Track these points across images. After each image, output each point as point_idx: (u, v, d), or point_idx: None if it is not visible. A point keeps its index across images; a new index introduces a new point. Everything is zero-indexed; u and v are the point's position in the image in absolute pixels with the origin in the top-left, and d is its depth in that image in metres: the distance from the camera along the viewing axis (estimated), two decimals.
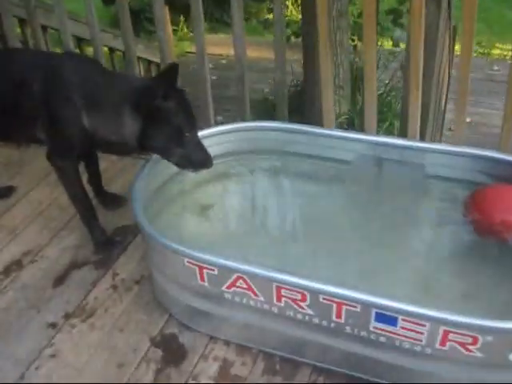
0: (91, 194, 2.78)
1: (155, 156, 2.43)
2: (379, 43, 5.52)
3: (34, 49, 3.68)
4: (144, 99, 2.24)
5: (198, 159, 2.32)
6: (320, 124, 2.81)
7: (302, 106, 4.94)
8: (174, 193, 2.61)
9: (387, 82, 5.77)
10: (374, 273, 2.21)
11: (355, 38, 5.51)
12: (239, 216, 2.62)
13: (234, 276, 1.98)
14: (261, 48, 6.43)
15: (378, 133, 2.94)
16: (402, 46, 5.17)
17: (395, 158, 2.53)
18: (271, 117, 5.57)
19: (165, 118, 2.25)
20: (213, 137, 2.64)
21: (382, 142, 2.54)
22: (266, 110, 5.68)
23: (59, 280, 2.56)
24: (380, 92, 5.47)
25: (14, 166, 3.28)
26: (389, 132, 5.02)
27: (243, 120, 3.09)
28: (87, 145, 2.43)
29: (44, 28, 3.82)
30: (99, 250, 2.66)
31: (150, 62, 5.56)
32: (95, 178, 2.84)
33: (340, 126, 4.67)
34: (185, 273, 2.08)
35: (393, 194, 2.54)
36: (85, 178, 2.71)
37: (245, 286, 1.99)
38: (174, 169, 2.44)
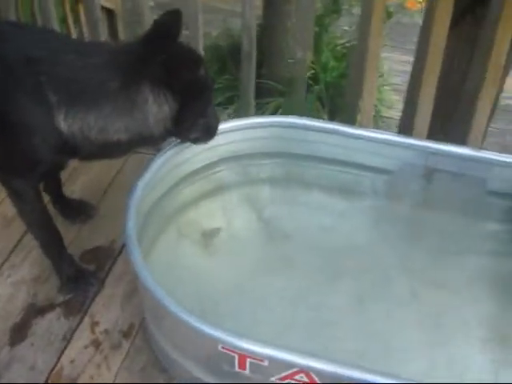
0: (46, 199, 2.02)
1: (150, 168, 1.74)
2: None
3: None
4: (183, 71, 1.60)
5: (215, 126, 1.81)
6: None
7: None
8: (170, 212, 1.92)
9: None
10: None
11: None
12: (253, 247, 1.96)
13: (294, 370, 1.39)
14: None
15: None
16: None
17: (451, 169, 1.94)
18: (225, 65, 4.91)
19: (201, 88, 1.68)
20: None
21: (437, 150, 1.94)
22: (218, 57, 4.91)
23: (17, 333, 1.85)
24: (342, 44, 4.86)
25: None
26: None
27: None
28: (62, 156, 1.69)
29: None
30: (68, 288, 1.95)
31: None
32: (53, 181, 2.08)
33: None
34: (215, 357, 1.46)
35: (446, 214, 1.97)
36: None
37: (306, 380, 1.39)
38: (170, 181, 1.86)
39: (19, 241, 2.10)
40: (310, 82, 4.50)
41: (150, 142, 1.77)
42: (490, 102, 2.01)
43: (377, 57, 2.02)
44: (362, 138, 1.97)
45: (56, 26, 2.69)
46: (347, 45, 4.88)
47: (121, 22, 4.05)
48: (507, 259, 1.97)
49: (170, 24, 1.64)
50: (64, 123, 1.56)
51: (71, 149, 1.64)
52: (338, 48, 4.85)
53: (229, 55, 4.87)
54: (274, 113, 4.45)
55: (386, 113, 4.76)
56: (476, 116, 2.04)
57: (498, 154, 1.93)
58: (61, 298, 1.95)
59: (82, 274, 1.97)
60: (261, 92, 4.16)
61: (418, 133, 2.11)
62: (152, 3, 6.32)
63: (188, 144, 1.86)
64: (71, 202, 2.18)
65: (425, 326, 1.83)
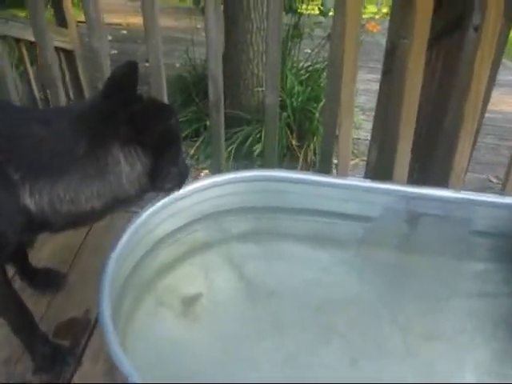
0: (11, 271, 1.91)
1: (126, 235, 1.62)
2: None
3: None
4: (153, 125, 1.50)
5: (186, 172, 1.72)
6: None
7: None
8: (147, 280, 1.80)
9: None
10: None
11: None
12: (236, 309, 1.84)
13: None
14: (164, 14, 5.46)
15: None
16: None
17: (434, 212, 1.87)
18: (189, 97, 4.79)
19: (172, 137, 1.60)
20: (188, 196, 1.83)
21: (418, 194, 1.86)
22: (183, 89, 4.80)
23: None
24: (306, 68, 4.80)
25: None
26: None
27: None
28: (31, 235, 1.56)
29: None
30: (43, 369, 1.80)
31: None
32: (18, 251, 1.93)
33: None
34: None
35: (432, 257, 1.89)
36: None
37: None
38: (144, 247, 1.76)
39: None
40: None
41: (125, 203, 1.63)
42: (469, 139, 1.94)
43: (351, 105, 1.93)
44: (339, 187, 1.87)
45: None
46: (310, 68, 4.83)
47: (80, 62, 3.95)
48: (497, 299, 1.90)
49: (127, 76, 1.53)
50: (31, 200, 1.43)
51: (41, 225, 1.51)
52: (302, 72, 4.78)
53: (193, 86, 4.77)
54: (244, 142, 4.36)
55: (354, 134, 4.70)
56: (456, 155, 1.96)
57: (479, 194, 1.87)
58: (36, 380, 1.80)
59: (57, 353, 1.81)
60: (227, 122, 4.08)
61: (397, 177, 2.02)
62: (109, 37, 6.25)
63: (160, 206, 1.76)
64: (38, 272, 2.03)
65: (421, 377, 1.74)
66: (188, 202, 1.84)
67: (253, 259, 1.94)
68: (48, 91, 2.74)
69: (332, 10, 3.63)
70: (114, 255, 1.63)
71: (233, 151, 4.32)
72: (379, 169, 2.07)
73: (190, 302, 1.81)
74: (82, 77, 3.87)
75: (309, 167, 4.42)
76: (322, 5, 4.52)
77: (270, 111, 2.09)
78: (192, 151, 4.47)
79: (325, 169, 2.12)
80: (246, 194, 1.92)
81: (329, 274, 1.91)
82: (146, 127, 1.49)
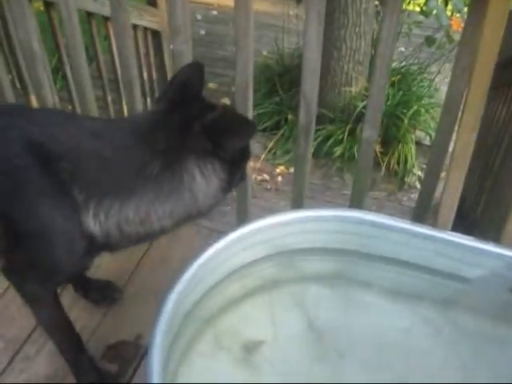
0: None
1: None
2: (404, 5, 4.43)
3: None
4: (239, 139, 1.36)
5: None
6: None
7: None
8: (208, 315, 1.61)
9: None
10: None
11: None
12: (299, 367, 1.60)
13: None
14: None
15: None
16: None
17: None
18: (274, 87, 4.54)
19: (248, 152, 1.50)
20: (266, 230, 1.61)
21: None
22: (267, 79, 4.55)
23: None
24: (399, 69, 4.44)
25: None
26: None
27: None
28: (89, 258, 1.44)
29: None
30: None
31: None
32: None
33: None
34: None
35: None
36: None
37: None
38: (213, 278, 1.59)
39: (32, 331, 1.81)
40: (363, 110, 4.14)
41: (195, 219, 1.48)
42: None
43: (466, 155, 1.62)
44: (436, 241, 1.60)
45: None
46: (403, 70, 4.48)
47: (167, 45, 3.76)
48: None
49: (193, 79, 1.39)
50: (94, 223, 1.27)
51: (101, 248, 1.35)
52: (394, 72, 4.44)
53: (278, 77, 4.52)
54: (325, 141, 4.10)
55: None
56: None
57: None
58: None
59: (102, 380, 1.66)
60: None
61: (507, 236, 1.72)
62: (199, 16, 6.04)
63: (235, 239, 1.56)
64: (94, 284, 1.89)
65: None
66: (265, 237, 1.63)
67: (326, 307, 1.70)
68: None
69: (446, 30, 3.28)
70: (178, 288, 1.43)
71: (312, 150, 4.07)
72: (482, 221, 1.78)
73: (251, 348, 1.60)
74: (166, 61, 3.70)
75: (391, 176, 4.13)
76: (424, 4, 4.13)
77: (366, 147, 1.81)
78: (270, 144, 4.24)
79: (420, 213, 1.84)
80: (327, 234, 1.68)
81: (410, 336, 1.65)
82: (226, 142, 1.32)
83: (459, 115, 1.70)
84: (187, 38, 1.74)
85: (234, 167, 1.40)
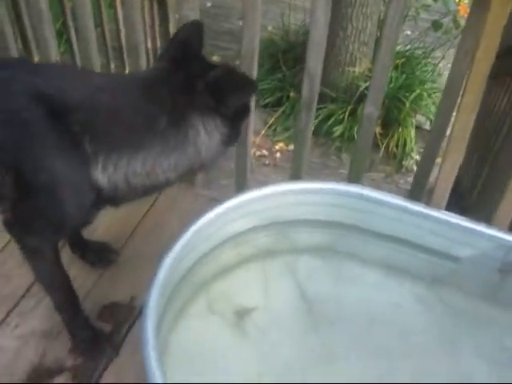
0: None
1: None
2: None
3: None
4: (241, 96, 1.42)
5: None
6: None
7: None
8: (202, 280, 1.64)
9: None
10: None
11: None
12: (290, 334, 1.64)
13: None
14: None
15: None
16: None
17: None
18: (277, 63, 4.52)
19: (248, 109, 1.57)
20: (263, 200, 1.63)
21: None
22: (271, 54, 4.53)
23: None
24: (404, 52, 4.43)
25: None
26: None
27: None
28: (93, 212, 1.45)
29: None
30: (79, 351, 1.69)
31: None
32: None
33: None
34: None
35: None
36: None
37: None
38: (208, 243, 1.62)
39: (30, 286, 1.83)
40: (365, 91, 4.13)
41: (197, 171, 1.66)
42: None
43: (464, 136, 1.63)
44: (429, 219, 1.63)
45: None
46: (407, 53, 4.46)
47: (172, 14, 3.73)
48: None
49: (193, 38, 1.43)
50: (103, 175, 1.30)
51: (107, 201, 1.39)
52: (398, 55, 4.43)
53: (282, 53, 4.50)
54: (326, 120, 4.11)
55: None
56: None
57: None
58: (71, 361, 1.69)
59: (96, 338, 1.70)
60: None
61: (499, 218, 1.74)
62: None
63: (232, 206, 1.59)
64: (91, 245, 1.91)
65: None
66: (261, 206, 1.65)
67: (318, 277, 1.74)
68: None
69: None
70: (173, 254, 1.46)
71: (313, 128, 4.07)
72: (477, 205, 1.80)
73: (243, 314, 1.63)
74: (171, 31, 3.65)
75: (389, 158, 4.14)
76: None
77: (366, 124, 1.83)
78: (271, 120, 4.24)
79: (415, 195, 1.86)
80: (323, 207, 1.70)
81: (399, 311, 1.69)
82: (228, 99, 1.37)
83: (459, 100, 1.72)
84: (195, 6, 1.75)
85: (235, 123, 1.45)
